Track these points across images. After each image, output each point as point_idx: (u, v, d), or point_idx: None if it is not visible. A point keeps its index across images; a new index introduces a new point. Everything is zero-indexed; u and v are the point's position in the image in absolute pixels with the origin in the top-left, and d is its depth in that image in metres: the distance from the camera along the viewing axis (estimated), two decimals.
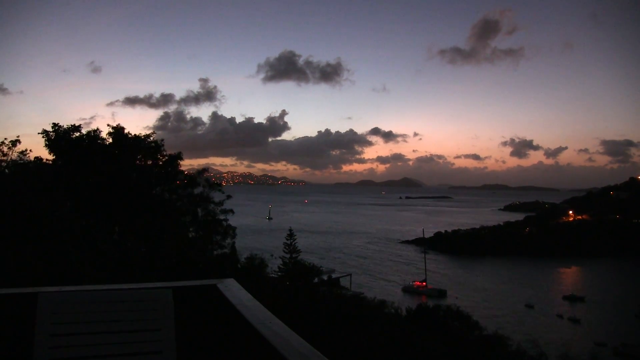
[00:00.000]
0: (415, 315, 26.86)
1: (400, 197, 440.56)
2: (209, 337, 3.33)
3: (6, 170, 16.47)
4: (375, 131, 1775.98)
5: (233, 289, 3.25)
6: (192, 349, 3.20)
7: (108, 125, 19.61)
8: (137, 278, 11.13)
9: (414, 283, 77.36)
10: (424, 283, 76.43)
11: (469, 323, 26.14)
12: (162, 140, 20.82)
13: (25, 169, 16.39)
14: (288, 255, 36.43)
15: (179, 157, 21.25)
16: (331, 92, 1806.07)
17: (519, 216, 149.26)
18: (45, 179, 15.66)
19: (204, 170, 23.98)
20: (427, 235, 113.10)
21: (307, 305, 19.17)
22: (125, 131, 19.76)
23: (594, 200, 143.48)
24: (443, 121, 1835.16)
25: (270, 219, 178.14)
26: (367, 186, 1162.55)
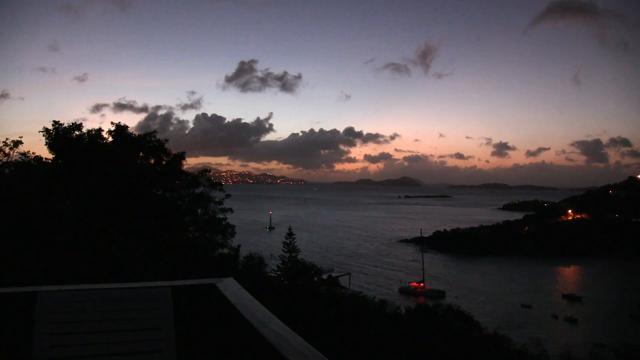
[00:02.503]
0: (415, 314, 26.86)
1: (400, 196, 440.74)
2: (208, 336, 3.33)
3: (6, 171, 16.44)
4: (350, 132, 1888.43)
5: (232, 288, 3.25)
6: (192, 348, 3.20)
7: (112, 123, 19.58)
8: (136, 277, 11.12)
9: (410, 284, 76.66)
10: (422, 284, 75.87)
11: (470, 323, 26.14)
12: (167, 140, 20.73)
13: (25, 169, 16.36)
14: (287, 255, 36.47)
15: (181, 156, 21.19)
16: (296, 100, 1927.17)
17: (518, 215, 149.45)
18: (45, 178, 15.64)
19: (206, 170, 23.92)
20: (426, 234, 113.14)
21: (306, 304, 19.18)
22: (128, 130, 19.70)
23: (593, 199, 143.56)
24: (410, 123, 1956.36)
25: (272, 229, 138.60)
26: (366, 185, 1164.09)
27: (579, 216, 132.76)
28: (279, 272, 33.56)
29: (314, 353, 2.09)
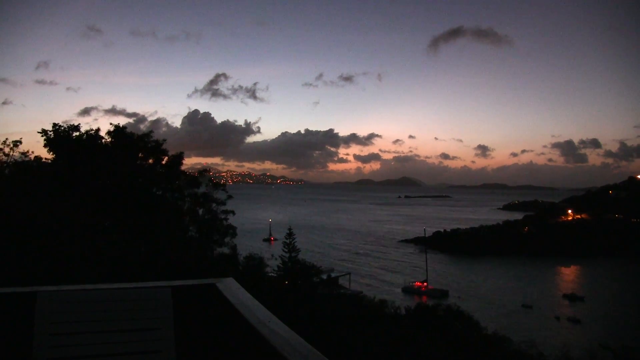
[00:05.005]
0: (415, 314, 26.86)
1: (400, 197, 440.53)
2: (208, 337, 3.33)
3: (6, 171, 16.46)
4: (332, 134, 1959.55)
5: (232, 288, 3.25)
6: (191, 348, 3.20)
7: (111, 124, 19.65)
8: (136, 277, 11.12)
9: (414, 283, 76.75)
10: (425, 283, 75.97)
11: (470, 323, 26.12)
12: (164, 140, 20.77)
13: (25, 169, 16.38)
14: (287, 255, 36.45)
15: (180, 157, 21.20)
16: (269, 107, 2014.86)
17: (518, 215, 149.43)
18: (44, 178, 15.65)
19: (206, 170, 23.96)
20: (426, 235, 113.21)
21: (306, 305, 19.18)
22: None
23: (592, 199, 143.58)
24: (382, 126, 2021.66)
25: (272, 240, 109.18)
26: (366, 185, 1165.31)
27: (579, 216, 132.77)
28: (279, 272, 33.54)
29: (314, 353, 2.09)
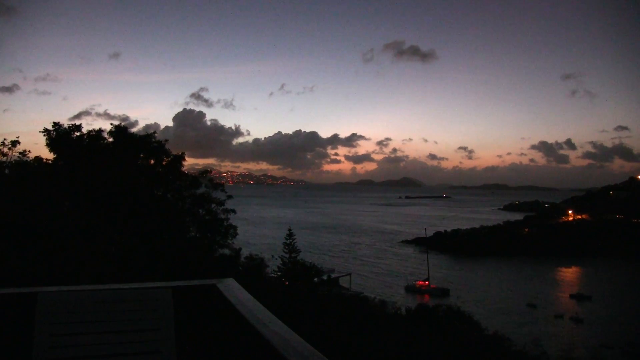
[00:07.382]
0: (415, 315, 26.85)
1: (400, 197, 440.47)
2: (209, 337, 3.33)
3: (6, 171, 16.47)
4: (316, 137, 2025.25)
5: (233, 289, 3.25)
6: (192, 348, 3.20)
7: (111, 124, 19.66)
8: (136, 278, 11.12)
9: (416, 283, 77.14)
10: (427, 282, 76.29)
11: (470, 323, 26.11)
12: (166, 140, 20.77)
13: (25, 169, 16.38)
14: (287, 255, 36.47)
15: (182, 157, 21.19)
16: (247, 114, 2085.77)
17: (518, 216, 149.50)
18: (45, 178, 15.66)
19: (207, 171, 23.94)
20: (427, 235, 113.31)
21: (306, 305, 19.15)
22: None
23: (593, 199, 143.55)
24: (363, 127, 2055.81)
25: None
26: (367, 185, 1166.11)
27: (579, 217, 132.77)
28: (279, 273, 33.53)
29: (313, 353, 2.09)
